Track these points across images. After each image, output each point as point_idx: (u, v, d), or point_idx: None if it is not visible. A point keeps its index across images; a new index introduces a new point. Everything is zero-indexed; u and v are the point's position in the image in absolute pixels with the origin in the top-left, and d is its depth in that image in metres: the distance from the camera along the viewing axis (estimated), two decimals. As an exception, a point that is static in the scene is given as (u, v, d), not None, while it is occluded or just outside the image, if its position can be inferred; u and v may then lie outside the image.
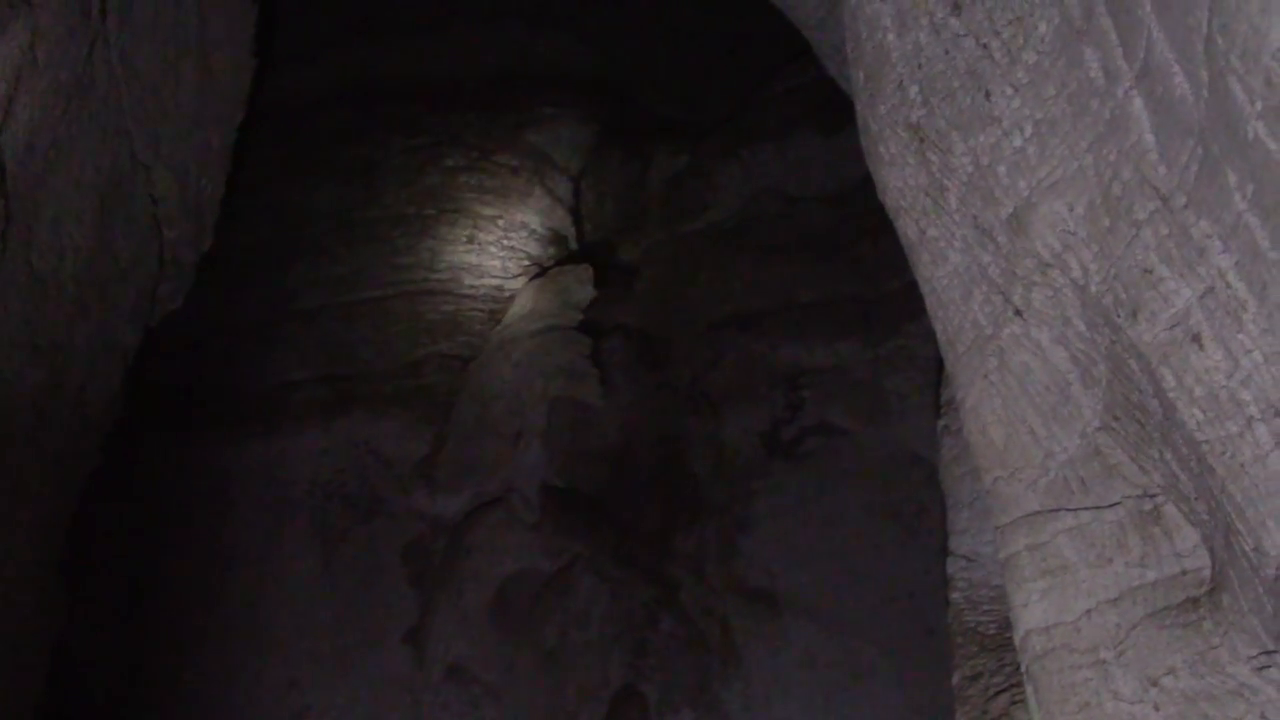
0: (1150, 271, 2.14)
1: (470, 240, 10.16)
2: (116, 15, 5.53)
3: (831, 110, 7.89)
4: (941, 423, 4.20)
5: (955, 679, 3.57)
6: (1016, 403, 2.69)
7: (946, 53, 2.72)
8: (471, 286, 10.03)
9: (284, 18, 8.59)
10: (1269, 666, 2.20)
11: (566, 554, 8.97)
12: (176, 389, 9.85)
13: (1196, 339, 2.05)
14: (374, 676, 8.93)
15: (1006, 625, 3.21)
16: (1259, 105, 1.73)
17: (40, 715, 6.34)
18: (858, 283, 9.40)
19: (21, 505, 5.48)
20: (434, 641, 8.92)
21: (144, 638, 9.30)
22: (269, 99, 8.55)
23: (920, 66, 2.83)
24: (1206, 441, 2.07)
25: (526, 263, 10.17)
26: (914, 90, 2.82)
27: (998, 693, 3.38)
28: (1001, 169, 2.56)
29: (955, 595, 3.73)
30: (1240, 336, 1.95)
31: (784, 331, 9.51)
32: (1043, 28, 2.41)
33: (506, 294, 10.00)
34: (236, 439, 9.72)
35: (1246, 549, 2.06)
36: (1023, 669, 2.73)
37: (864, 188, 3.82)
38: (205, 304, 8.13)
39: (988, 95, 2.58)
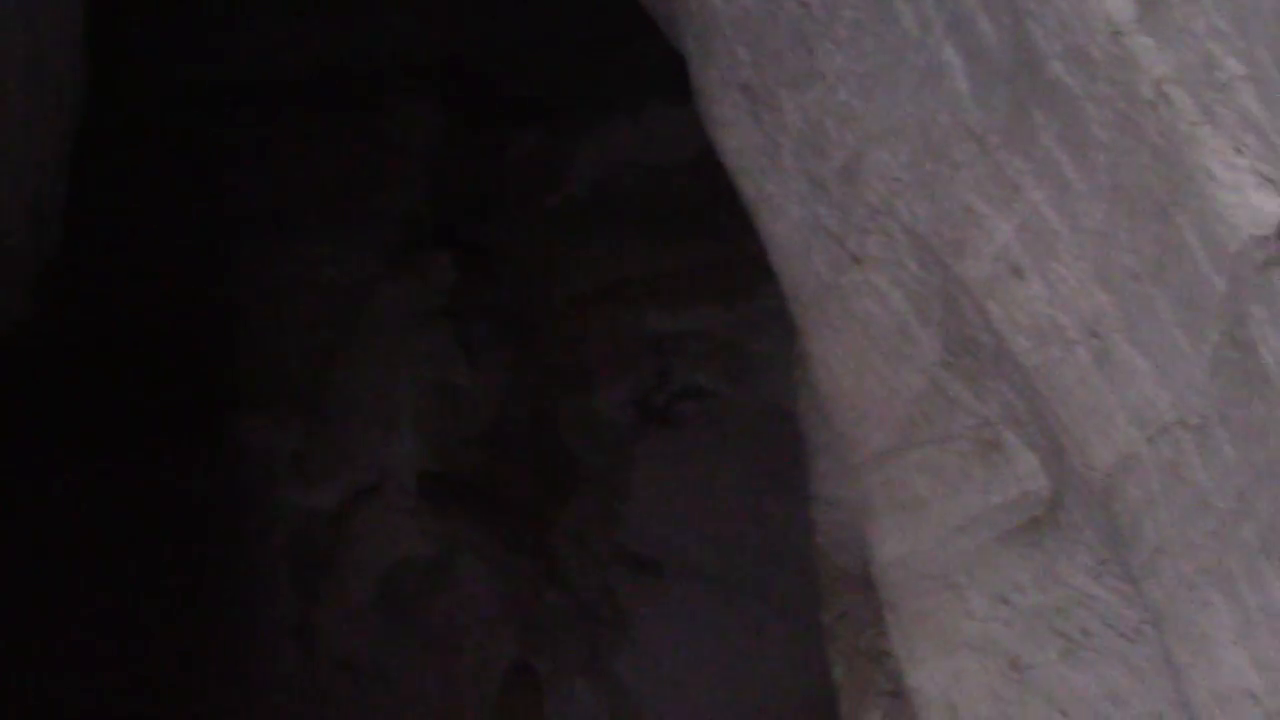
0: (971, 210, 2.25)
1: (327, 233, 9.99)
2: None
3: (681, 79, 7.94)
4: (796, 374, 4.31)
5: (826, 619, 3.70)
6: (861, 347, 2.79)
7: (772, 14, 2.80)
8: (330, 279, 9.85)
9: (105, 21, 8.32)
10: (1104, 574, 2.34)
11: (447, 538, 8.94)
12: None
13: (1017, 271, 2.17)
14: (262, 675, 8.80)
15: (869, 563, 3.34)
16: (1057, 46, 1.83)
17: None
18: (717, 247, 9.47)
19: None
20: (321, 636, 8.82)
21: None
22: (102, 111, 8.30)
23: (748, 29, 2.90)
24: (1034, 367, 2.19)
25: (385, 251, 10.03)
26: (743, 52, 2.90)
27: (865, 627, 3.51)
28: (829, 123, 2.65)
29: (820, 539, 3.85)
30: (1055, 265, 2.07)
31: (649, 300, 9.55)
32: (858, -17, 2.50)
33: (367, 283, 9.86)
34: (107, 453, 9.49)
35: (1077, 465, 2.19)
36: (883, 600, 2.84)
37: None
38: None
39: (811, 53, 2.66)
